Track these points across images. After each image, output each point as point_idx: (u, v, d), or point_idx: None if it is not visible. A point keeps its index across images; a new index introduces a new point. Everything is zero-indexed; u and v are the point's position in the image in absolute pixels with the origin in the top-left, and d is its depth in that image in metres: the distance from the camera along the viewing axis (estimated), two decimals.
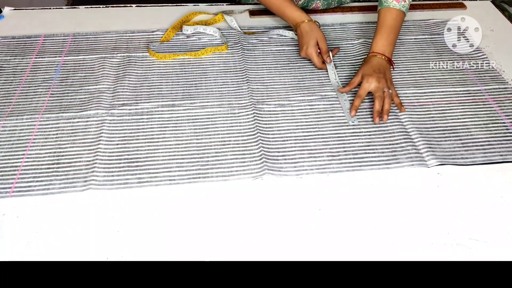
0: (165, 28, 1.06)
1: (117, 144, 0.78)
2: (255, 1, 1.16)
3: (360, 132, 0.81)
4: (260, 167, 0.74)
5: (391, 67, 0.93)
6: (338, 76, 0.94)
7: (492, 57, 1.00)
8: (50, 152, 0.76)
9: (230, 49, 1.01)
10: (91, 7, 1.16)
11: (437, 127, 0.82)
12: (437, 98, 0.89)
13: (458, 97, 0.89)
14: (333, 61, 0.96)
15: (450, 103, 0.88)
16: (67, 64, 0.96)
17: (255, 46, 1.02)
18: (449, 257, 0.63)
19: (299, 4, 1.11)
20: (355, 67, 0.97)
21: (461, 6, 1.18)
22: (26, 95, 0.88)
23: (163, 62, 0.97)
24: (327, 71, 0.95)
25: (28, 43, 1.02)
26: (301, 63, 0.98)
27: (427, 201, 0.70)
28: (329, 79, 0.93)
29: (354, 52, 1.01)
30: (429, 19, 1.12)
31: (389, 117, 0.84)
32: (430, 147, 0.78)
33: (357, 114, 0.84)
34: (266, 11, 1.13)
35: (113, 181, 0.71)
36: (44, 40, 1.02)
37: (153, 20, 1.10)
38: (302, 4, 1.12)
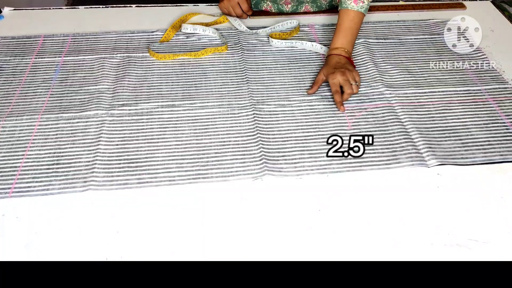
0: (165, 29, 1.06)
1: (117, 145, 0.78)
2: (262, 8, 1.14)
3: (360, 133, 0.81)
4: (260, 167, 0.74)
5: (352, 64, 0.93)
6: None
7: (492, 57, 1.00)
8: (50, 153, 0.76)
9: (230, 50, 1.01)
10: (91, 7, 1.16)
11: (437, 127, 0.82)
12: (437, 98, 0.89)
13: (458, 97, 0.89)
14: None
15: (450, 103, 0.87)
16: (66, 64, 0.96)
17: (255, 46, 1.02)
18: (449, 258, 0.62)
19: (289, 8, 1.12)
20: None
21: (461, 6, 1.18)
22: (25, 96, 0.87)
23: (163, 62, 0.97)
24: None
25: (28, 43, 1.01)
26: (301, 63, 0.98)
27: (427, 201, 0.70)
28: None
29: (354, 52, 1.01)
30: (429, 19, 1.12)
31: (390, 117, 0.84)
32: (430, 147, 0.78)
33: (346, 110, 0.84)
34: (265, 12, 1.13)
35: (112, 182, 0.71)
36: (44, 40, 1.02)
37: (153, 20, 1.10)
38: (292, 7, 1.12)
